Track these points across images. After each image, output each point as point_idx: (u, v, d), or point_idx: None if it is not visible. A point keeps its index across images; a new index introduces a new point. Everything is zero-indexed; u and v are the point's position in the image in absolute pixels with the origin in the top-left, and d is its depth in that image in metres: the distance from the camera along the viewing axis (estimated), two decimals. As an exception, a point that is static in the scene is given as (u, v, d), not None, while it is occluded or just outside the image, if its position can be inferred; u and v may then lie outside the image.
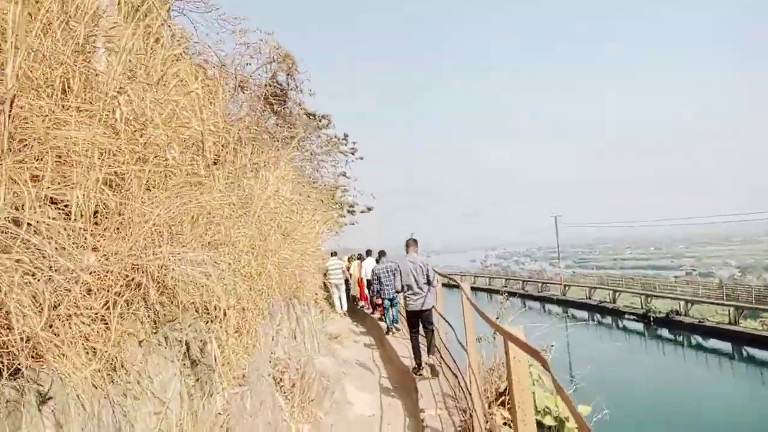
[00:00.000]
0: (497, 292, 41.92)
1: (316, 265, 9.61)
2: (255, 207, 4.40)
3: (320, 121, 23.20)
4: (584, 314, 29.95)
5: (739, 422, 12.21)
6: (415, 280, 5.88)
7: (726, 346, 19.40)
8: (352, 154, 25.07)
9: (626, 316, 26.19)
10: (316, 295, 9.72)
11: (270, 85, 8.87)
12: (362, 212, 26.29)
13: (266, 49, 8.80)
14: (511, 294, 40.68)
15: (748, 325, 20.51)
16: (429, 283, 5.91)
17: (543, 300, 35.43)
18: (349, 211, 25.45)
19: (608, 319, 27.46)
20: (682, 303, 23.44)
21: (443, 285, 8.02)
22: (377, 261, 10.48)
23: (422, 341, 6.14)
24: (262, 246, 4.45)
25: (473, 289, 45.67)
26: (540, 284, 38.27)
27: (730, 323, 20.51)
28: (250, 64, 8.81)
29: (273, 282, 4.60)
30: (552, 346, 5.43)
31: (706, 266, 72.25)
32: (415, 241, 6.25)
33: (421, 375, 5.87)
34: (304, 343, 6.90)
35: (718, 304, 22.06)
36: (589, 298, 31.84)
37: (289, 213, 6.28)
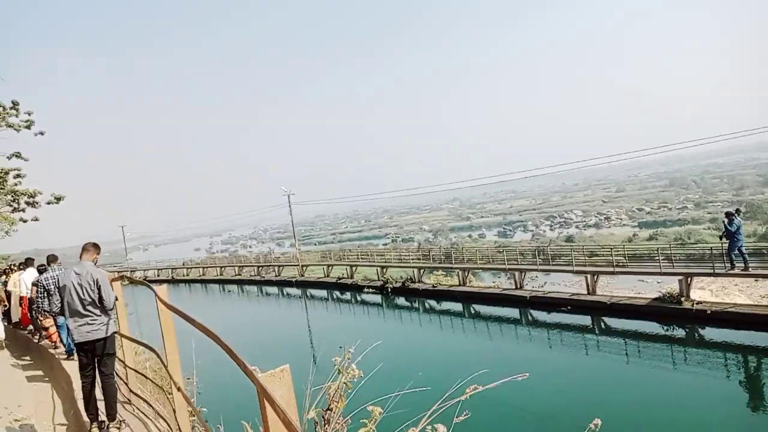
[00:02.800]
0: (232, 282, 38.10)
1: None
2: None
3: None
4: (323, 293, 29.62)
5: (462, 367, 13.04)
6: (80, 300, 4.06)
7: (457, 306, 21.41)
8: (28, 128, 18.88)
9: (365, 289, 26.74)
10: None
11: None
12: (49, 203, 20.56)
13: None
14: (248, 282, 37.34)
15: (476, 284, 23.33)
16: (102, 306, 4.10)
17: (281, 284, 33.69)
18: (28, 203, 19.20)
19: (348, 295, 27.66)
20: (415, 271, 25.16)
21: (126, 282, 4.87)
22: (40, 271, 8.16)
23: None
24: None
25: (202, 282, 40.57)
26: (278, 267, 36.31)
27: (460, 284, 22.80)
28: None
29: None
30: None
31: (407, 232, 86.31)
32: (94, 245, 4.51)
33: None
34: None
35: (444, 267, 24.43)
36: (327, 276, 31.76)
37: None
